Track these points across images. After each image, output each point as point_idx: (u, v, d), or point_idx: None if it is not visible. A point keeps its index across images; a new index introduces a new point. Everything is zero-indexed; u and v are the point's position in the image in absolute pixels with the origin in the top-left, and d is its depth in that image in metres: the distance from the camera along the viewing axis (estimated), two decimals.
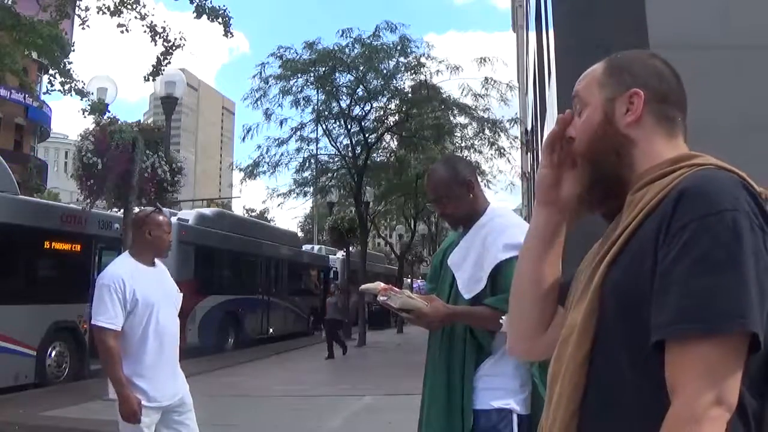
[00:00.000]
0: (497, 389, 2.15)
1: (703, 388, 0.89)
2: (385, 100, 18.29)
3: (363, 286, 2.39)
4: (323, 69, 16.89)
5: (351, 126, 18.02)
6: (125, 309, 3.07)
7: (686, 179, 1.01)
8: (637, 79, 1.15)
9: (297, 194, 20.11)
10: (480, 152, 18.79)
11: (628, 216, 1.05)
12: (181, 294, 3.39)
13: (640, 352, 0.96)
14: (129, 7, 8.94)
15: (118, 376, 3.00)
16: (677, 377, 0.92)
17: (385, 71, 16.91)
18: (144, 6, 9.04)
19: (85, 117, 9.62)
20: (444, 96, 17.96)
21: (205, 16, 8.82)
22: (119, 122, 9.37)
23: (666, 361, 0.93)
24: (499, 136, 18.43)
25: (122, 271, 3.15)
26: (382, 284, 2.28)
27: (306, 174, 19.54)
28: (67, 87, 9.71)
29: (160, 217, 3.30)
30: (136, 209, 8.37)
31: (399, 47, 16.74)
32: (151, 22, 8.99)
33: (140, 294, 3.11)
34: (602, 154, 1.15)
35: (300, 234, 41.14)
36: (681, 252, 0.93)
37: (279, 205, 43.77)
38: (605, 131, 1.15)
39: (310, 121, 18.39)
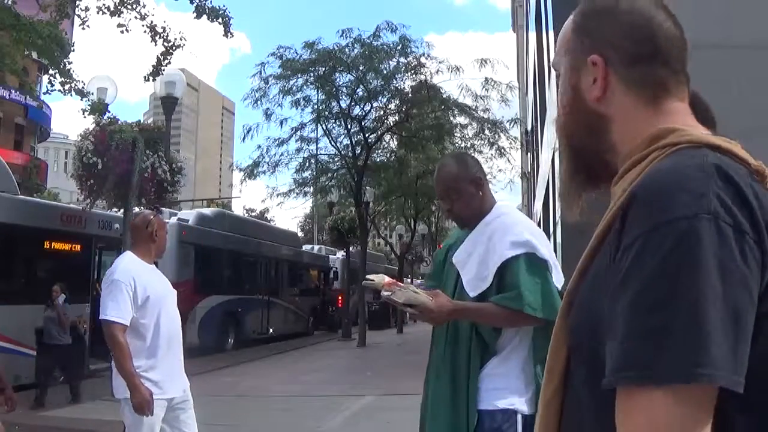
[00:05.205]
0: (502, 389, 2.12)
1: None
2: (385, 100, 18.27)
3: (366, 278, 2.24)
4: (323, 69, 16.87)
5: (351, 126, 18.00)
6: (135, 305, 3.16)
7: (644, 174, 0.80)
8: (600, 39, 0.91)
9: (297, 194, 20.09)
10: (480, 152, 18.76)
11: (599, 224, 0.86)
12: (175, 291, 3.51)
13: (600, 394, 0.77)
14: (129, 7, 8.91)
15: (129, 368, 3.08)
16: (620, 430, 0.74)
17: (385, 71, 16.88)
18: (144, 6, 9.02)
19: (85, 117, 9.61)
20: (444, 96, 17.94)
21: (205, 17, 8.81)
22: (119, 122, 9.37)
23: (616, 408, 0.75)
24: (499, 136, 18.44)
25: (132, 267, 3.26)
26: (387, 278, 2.19)
27: (306, 174, 19.53)
28: (67, 87, 9.68)
29: (163, 220, 3.48)
30: (136, 209, 8.39)
31: (399, 47, 16.72)
32: (151, 22, 8.97)
33: (150, 290, 3.22)
34: (575, 134, 0.95)
35: (300, 234, 41.10)
36: (626, 277, 0.74)
37: (279, 204, 43.58)
38: (574, 107, 0.94)
39: (310, 121, 18.38)
